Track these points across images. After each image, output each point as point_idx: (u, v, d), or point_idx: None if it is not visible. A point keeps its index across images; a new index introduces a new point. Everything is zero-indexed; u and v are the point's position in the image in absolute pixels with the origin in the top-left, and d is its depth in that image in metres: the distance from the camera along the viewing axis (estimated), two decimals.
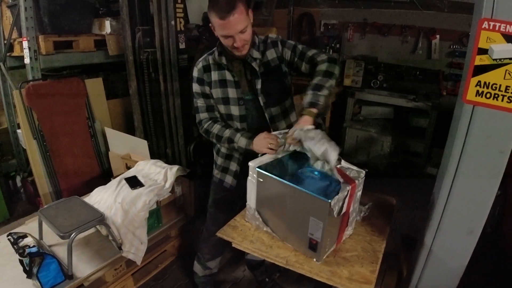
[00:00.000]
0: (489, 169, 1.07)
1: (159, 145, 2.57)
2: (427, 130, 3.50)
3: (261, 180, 1.17)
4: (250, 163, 1.21)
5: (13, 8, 2.33)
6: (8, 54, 2.50)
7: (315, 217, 1.04)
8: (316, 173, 1.14)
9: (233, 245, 1.22)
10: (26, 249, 1.50)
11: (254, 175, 1.19)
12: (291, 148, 1.30)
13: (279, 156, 1.28)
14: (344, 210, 1.06)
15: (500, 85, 0.99)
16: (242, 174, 1.51)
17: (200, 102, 1.50)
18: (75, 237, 1.52)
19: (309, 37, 4.26)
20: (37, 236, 1.70)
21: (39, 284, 1.45)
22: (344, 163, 1.17)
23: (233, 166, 1.57)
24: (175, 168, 2.05)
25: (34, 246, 1.54)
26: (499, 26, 0.95)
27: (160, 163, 2.16)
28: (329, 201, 0.98)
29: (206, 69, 1.45)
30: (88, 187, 2.17)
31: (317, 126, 1.25)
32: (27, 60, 2.27)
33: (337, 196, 1.00)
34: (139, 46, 2.33)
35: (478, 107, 1.03)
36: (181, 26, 2.21)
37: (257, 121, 1.48)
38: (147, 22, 2.32)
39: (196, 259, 1.86)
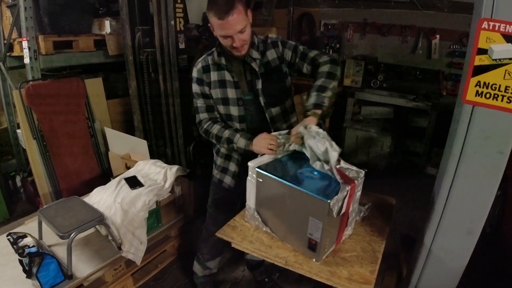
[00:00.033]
0: (488, 169, 1.07)
1: (159, 145, 2.57)
2: (427, 130, 3.50)
3: (261, 180, 1.17)
4: (249, 163, 1.21)
5: (13, 8, 2.33)
6: (8, 54, 2.50)
7: (314, 217, 1.04)
8: (315, 173, 1.14)
9: (233, 245, 1.22)
10: (26, 249, 1.49)
11: (254, 175, 1.19)
12: (291, 148, 1.30)
13: (279, 156, 1.28)
14: (343, 210, 1.06)
15: (500, 85, 0.99)
16: (241, 174, 1.51)
17: (199, 103, 1.50)
18: (75, 237, 1.52)
19: (309, 37, 4.26)
20: (36, 236, 1.70)
21: (38, 284, 1.45)
22: (343, 163, 1.17)
23: (232, 167, 1.57)
24: (174, 168, 2.05)
25: (33, 246, 1.54)
26: (499, 26, 0.95)
27: (159, 163, 2.16)
28: (329, 201, 0.98)
29: (206, 69, 1.45)
30: (88, 187, 2.17)
31: (318, 126, 1.25)
32: (26, 60, 2.27)
33: (336, 196, 1.00)
34: (138, 46, 2.33)
35: (478, 107, 1.03)
36: (181, 26, 2.21)
37: (256, 122, 1.48)
38: (147, 22, 2.32)
39: (196, 259, 1.86)
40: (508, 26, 0.94)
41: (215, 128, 1.45)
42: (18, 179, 2.78)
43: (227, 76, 1.43)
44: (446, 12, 3.47)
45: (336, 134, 3.76)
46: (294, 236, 1.14)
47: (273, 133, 1.35)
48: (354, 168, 1.16)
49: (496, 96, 1.00)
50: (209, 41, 2.62)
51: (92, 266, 1.63)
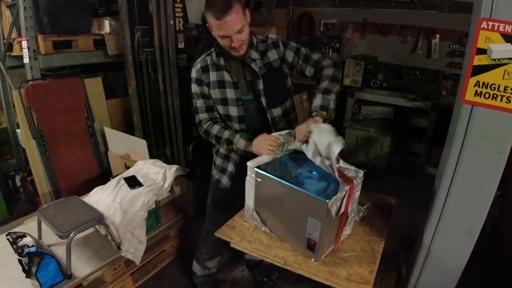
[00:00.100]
0: (487, 169, 1.07)
1: (158, 144, 2.57)
2: (427, 130, 3.50)
3: (259, 180, 1.17)
4: (248, 163, 1.21)
5: (12, 8, 2.33)
6: (7, 53, 2.50)
7: (313, 217, 1.04)
8: (314, 173, 1.14)
9: (232, 245, 1.22)
10: (25, 249, 1.49)
11: (253, 175, 1.19)
12: (291, 148, 1.30)
13: (278, 156, 1.27)
14: (342, 210, 1.06)
15: (499, 85, 0.98)
16: (238, 175, 1.51)
17: (199, 103, 1.49)
18: (74, 236, 1.52)
19: (309, 37, 4.26)
20: (36, 236, 1.70)
21: (38, 283, 1.45)
22: (342, 163, 1.17)
23: (230, 167, 1.57)
24: (174, 168, 2.05)
25: (33, 246, 1.54)
26: (498, 26, 0.95)
27: (159, 162, 2.16)
28: (327, 201, 0.98)
29: (205, 69, 1.45)
30: (87, 187, 2.17)
31: None
32: (26, 60, 2.27)
33: (335, 196, 1.00)
34: (138, 45, 2.33)
35: (477, 107, 1.03)
36: (180, 25, 2.21)
37: (256, 122, 1.48)
38: (146, 21, 2.32)
39: (195, 259, 1.86)
40: (507, 26, 0.94)
41: (215, 129, 1.45)
42: (17, 179, 2.78)
43: (226, 77, 1.42)
44: (446, 12, 3.47)
45: None
46: (293, 236, 1.14)
47: (273, 134, 1.35)
48: (353, 168, 1.16)
49: (495, 96, 0.99)
50: (208, 41, 2.62)
51: (92, 266, 1.63)
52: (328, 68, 1.37)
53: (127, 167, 2.30)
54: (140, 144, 2.31)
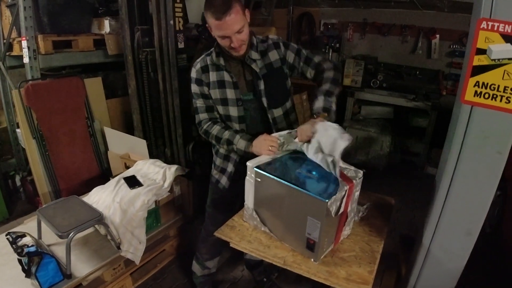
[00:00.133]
0: (487, 170, 1.07)
1: (158, 144, 2.57)
2: (427, 130, 3.50)
3: (259, 180, 1.17)
4: (248, 163, 1.21)
5: (12, 8, 2.33)
6: (7, 53, 2.50)
7: (312, 217, 1.04)
8: (314, 173, 1.14)
9: (231, 245, 1.22)
10: (25, 249, 1.49)
11: (252, 175, 1.19)
12: (291, 148, 1.30)
13: (278, 156, 1.27)
14: (341, 210, 1.06)
15: (499, 86, 0.98)
16: (238, 175, 1.51)
17: (199, 103, 1.49)
18: (74, 236, 1.52)
19: (309, 36, 4.25)
20: (36, 236, 1.70)
21: (37, 283, 1.45)
22: (342, 163, 1.17)
23: (230, 167, 1.57)
24: (174, 167, 2.05)
25: (32, 246, 1.54)
26: (498, 26, 0.95)
27: (159, 162, 2.16)
28: (326, 200, 0.98)
29: (204, 69, 1.45)
30: (87, 187, 2.17)
31: None
32: (26, 60, 2.27)
33: (334, 196, 1.00)
34: (138, 45, 2.33)
35: (476, 107, 1.03)
36: (180, 25, 2.21)
37: (256, 122, 1.48)
38: (146, 21, 2.32)
39: (195, 259, 1.86)
40: (507, 26, 0.94)
41: (215, 129, 1.45)
42: (17, 179, 2.78)
43: (226, 77, 1.42)
44: (446, 12, 3.47)
45: None
46: (293, 236, 1.14)
47: (274, 134, 1.35)
48: (353, 168, 1.16)
49: (494, 96, 0.99)
50: (208, 41, 2.62)
51: (91, 266, 1.63)
52: (329, 70, 1.39)
53: (127, 167, 2.30)
54: (140, 144, 2.31)
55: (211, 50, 1.44)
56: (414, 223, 2.60)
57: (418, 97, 3.47)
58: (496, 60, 0.97)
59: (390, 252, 1.63)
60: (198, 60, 1.48)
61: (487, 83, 1.00)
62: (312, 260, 1.10)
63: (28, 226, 1.85)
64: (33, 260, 1.46)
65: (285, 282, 2.06)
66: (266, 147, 1.28)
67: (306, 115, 3.56)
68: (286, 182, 1.08)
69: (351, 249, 1.16)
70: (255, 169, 1.17)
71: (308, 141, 1.23)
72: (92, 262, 1.65)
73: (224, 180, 1.59)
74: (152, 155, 2.36)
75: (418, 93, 3.49)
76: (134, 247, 1.75)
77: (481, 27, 0.96)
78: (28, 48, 2.22)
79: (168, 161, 2.47)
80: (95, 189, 1.98)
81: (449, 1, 3.24)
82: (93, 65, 2.71)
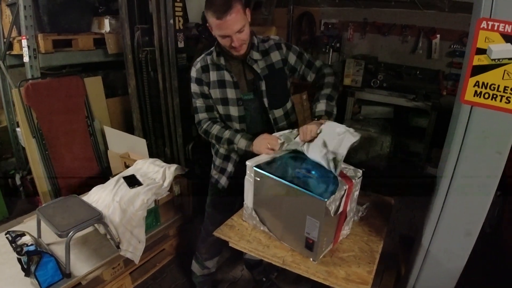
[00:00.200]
0: (487, 170, 1.07)
1: (158, 144, 2.57)
2: (427, 130, 3.49)
3: (258, 179, 1.17)
4: (247, 162, 1.21)
5: (12, 7, 2.33)
6: (7, 52, 2.50)
7: (311, 216, 1.04)
8: (313, 172, 1.14)
9: (230, 245, 1.22)
10: (24, 248, 1.49)
11: (252, 174, 1.19)
12: (291, 147, 1.29)
13: (277, 155, 1.27)
14: (341, 209, 1.06)
15: (499, 86, 0.98)
16: (237, 175, 1.51)
17: (199, 103, 1.49)
18: (73, 235, 1.52)
19: (309, 36, 4.25)
20: (35, 235, 1.70)
21: (37, 282, 1.45)
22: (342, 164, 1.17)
23: (230, 167, 1.57)
24: (173, 167, 2.05)
25: (32, 245, 1.53)
26: (498, 26, 0.95)
27: (158, 162, 2.16)
28: (325, 200, 0.98)
29: (205, 69, 1.45)
30: (87, 186, 2.17)
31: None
32: (26, 59, 2.27)
33: (333, 196, 1.00)
34: (138, 44, 2.33)
35: (476, 107, 1.03)
36: (180, 25, 2.21)
37: (256, 122, 1.48)
38: (146, 20, 2.32)
39: (194, 258, 1.86)
40: (507, 25, 0.94)
41: (215, 129, 1.45)
42: (17, 178, 2.78)
43: (227, 76, 1.42)
44: (447, 12, 3.46)
45: None
46: (292, 236, 1.14)
47: (274, 134, 1.35)
48: (352, 167, 1.16)
49: (494, 96, 0.99)
50: (208, 40, 2.61)
51: (90, 265, 1.63)
52: (329, 76, 1.44)
53: (127, 166, 2.30)
54: (139, 143, 2.30)
55: (212, 49, 1.44)
56: (414, 223, 2.60)
57: (418, 97, 3.46)
58: (496, 60, 0.97)
59: (389, 252, 1.63)
60: (198, 59, 1.48)
61: (487, 83, 0.99)
62: (311, 259, 1.10)
63: (28, 225, 1.85)
64: (32, 259, 1.46)
65: (285, 282, 2.06)
66: (266, 146, 1.28)
67: (306, 115, 3.56)
68: (285, 182, 1.08)
69: (350, 249, 1.16)
70: (255, 168, 1.17)
71: (310, 141, 1.23)
72: (92, 261, 1.65)
73: (223, 180, 1.59)
74: (152, 155, 2.35)
75: (418, 93, 3.48)
76: (133, 247, 1.75)
77: (481, 27, 0.96)
78: (28, 47, 2.22)
79: (168, 160, 2.46)
80: (94, 188, 1.98)
81: (450, 1, 3.23)
82: (93, 64, 2.71)
